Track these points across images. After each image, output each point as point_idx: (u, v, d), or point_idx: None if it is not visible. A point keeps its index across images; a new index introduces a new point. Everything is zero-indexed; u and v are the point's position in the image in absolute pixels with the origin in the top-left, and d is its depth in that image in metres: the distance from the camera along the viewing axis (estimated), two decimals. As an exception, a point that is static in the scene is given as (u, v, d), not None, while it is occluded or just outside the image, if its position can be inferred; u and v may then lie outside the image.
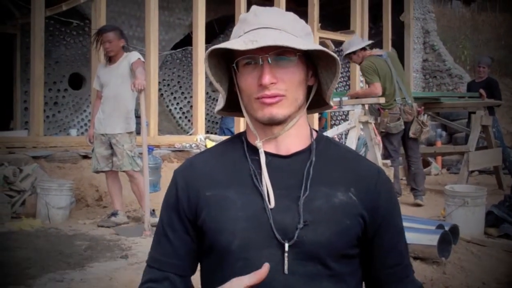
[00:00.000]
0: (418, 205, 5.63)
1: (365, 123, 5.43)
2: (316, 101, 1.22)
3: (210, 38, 10.86)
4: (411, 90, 7.29)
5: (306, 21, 1.74)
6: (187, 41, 10.42)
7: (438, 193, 5.98)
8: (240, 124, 7.86)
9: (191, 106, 9.92)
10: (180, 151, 6.75)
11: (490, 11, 15.16)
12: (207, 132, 8.44)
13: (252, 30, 1.11)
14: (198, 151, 5.90)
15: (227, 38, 11.64)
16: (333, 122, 10.18)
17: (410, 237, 2.95)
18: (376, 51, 5.95)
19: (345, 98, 5.70)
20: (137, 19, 10.06)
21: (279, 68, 1.09)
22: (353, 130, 5.43)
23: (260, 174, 1.12)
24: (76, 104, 10.39)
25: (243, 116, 1.19)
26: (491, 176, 7.53)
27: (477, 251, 3.77)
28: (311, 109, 1.22)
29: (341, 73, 7.83)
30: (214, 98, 12.46)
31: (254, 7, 1.15)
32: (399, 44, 11.16)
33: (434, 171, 8.57)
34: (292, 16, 1.16)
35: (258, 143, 1.15)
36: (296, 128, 1.16)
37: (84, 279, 3.11)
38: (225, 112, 1.24)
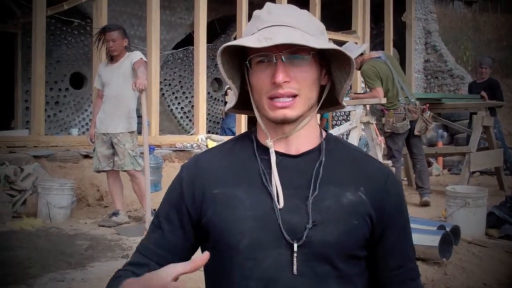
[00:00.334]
0: (426, 204, 5.58)
1: (367, 124, 5.42)
2: (327, 101, 1.20)
3: (212, 38, 10.88)
4: (413, 90, 7.28)
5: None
6: (188, 41, 10.43)
7: (439, 193, 5.96)
8: (242, 124, 7.86)
9: (192, 106, 9.94)
10: (181, 151, 6.75)
11: (492, 12, 15.15)
12: (208, 132, 8.44)
13: (266, 28, 1.08)
14: (199, 151, 5.90)
15: (228, 38, 11.66)
16: (335, 122, 10.19)
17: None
18: (373, 53, 5.93)
19: (346, 99, 5.69)
20: (139, 18, 10.07)
21: (293, 66, 1.08)
22: (355, 130, 5.42)
23: (270, 173, 1.11)
24: (77, 104, 10.40)
25: (253, 114, 1.18)
26: (492, 177, 7.51)
27: (478, 252, 3.77)
28: (322, 109, 1.21)
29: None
30: (215, 98, 12.46)
31: (268, 4, 1.13)
32: (400, 45, 11.16)
33: (435, 172, 8.55)
34: (306, 13, 1.14)
35: (269, 143, 1.13)
36: (306, 128, 1.14)
37: (85, 279, 3.12)
38: (235, 110, 1.23)
